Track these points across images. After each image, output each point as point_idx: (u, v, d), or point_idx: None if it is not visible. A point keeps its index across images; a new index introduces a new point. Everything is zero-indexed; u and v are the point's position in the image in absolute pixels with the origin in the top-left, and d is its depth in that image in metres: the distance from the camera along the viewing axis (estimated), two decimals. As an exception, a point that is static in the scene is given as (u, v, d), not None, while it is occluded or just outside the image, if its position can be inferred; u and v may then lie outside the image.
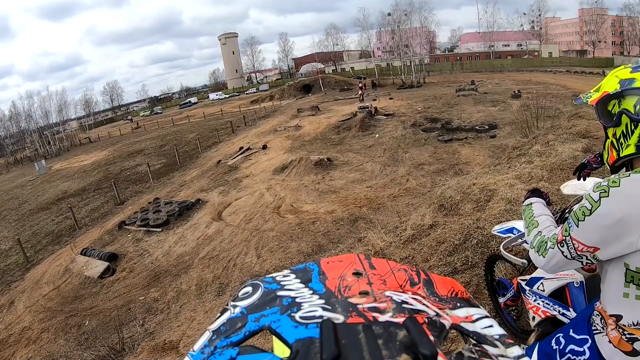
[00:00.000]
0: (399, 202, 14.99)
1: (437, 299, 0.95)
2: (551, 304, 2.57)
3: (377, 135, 27.10)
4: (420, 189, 15.99)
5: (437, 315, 0.84)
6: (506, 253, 2.95)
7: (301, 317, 0.79)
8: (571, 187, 3.33)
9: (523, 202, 2.25)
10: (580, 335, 1.91)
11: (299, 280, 0.97)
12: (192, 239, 16.36)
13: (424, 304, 0.88)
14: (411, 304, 0.86)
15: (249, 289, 0.96)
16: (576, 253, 1.59)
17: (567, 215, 2.52)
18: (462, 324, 0.84)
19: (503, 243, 3.02)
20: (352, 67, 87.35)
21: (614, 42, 67.26)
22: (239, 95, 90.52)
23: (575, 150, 6.98)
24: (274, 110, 51.94)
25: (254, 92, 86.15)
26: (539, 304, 2.68)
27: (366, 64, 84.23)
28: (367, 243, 7.13)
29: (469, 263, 4.94)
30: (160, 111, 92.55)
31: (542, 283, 2.67)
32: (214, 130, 39.97)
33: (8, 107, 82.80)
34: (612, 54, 63.09)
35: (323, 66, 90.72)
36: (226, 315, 0.88)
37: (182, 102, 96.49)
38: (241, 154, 28.57)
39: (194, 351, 0.80)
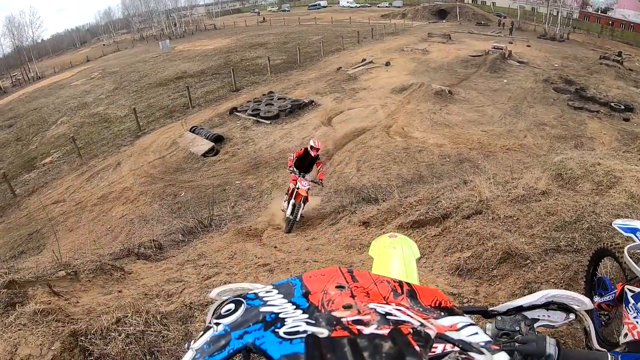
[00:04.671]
0: (511, 156, 14.47)
1: (421, 309, 1.00)
2: None
3: (505, 81, 25.79)
4: (536, 150, 15.22)
5: (422, 325, 0.87)
6: (629, 259, 2.60)
7: (285, 333, 0.82)
8: None
9: None
10: None
11: (281, 296, 1.00)
12: (297, 137, 16.49)
13: (408, 315, 0.91)
14: (395, 315, 0.89)
15: (231, 305, 0.99)
16: None
17: None
18: (447, 333, 0.87)
19: (629, 246, 2.65)
20: (493, 2, 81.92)
21: None
22: (370, 6, 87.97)
23: None
24: (404, 29, 50.46)
25: (387, 7, 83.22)
26: (638, 322, 2.42)
27: (510, 2, 78.98)
28: (474, 188, 6.78)
29: (574, 246, 4.54)
30: (288, 9, 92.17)
31: None
32: (339, 37, 39.36)
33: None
34: None
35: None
36: (209, 333, 0.91)
37: (311, 3, 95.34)
38: (363, 65, 28.08)
39: None
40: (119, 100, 26.31)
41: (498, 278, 4.65)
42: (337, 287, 1.02)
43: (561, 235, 4.75)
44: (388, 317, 0.86)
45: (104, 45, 68.10)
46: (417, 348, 0.71)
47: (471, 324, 0.92)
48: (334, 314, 0.87)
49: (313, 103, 20.26)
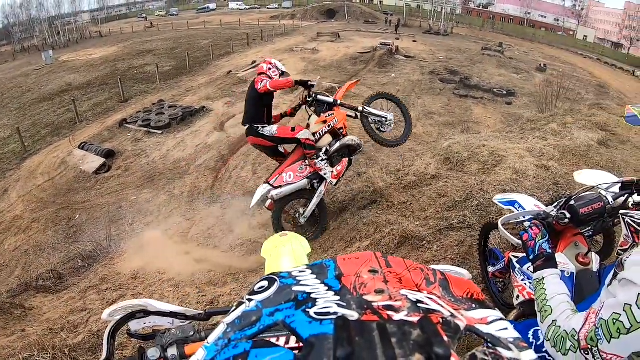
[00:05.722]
0: (402, 146, 14.78)
1: (452, 300, 0.99)
2: None
3: (393, 75, 26.79)
4: (426, 138, 15.89)
5: (452, 316, 0.87)
6: (503, 230, 2.80)
7: (316, 313, 0.82)
8: (585, 175, 3.24)
9: (534, 271, 1.99)
10: None
11: (314, 276, 1.00)
12: (191, 145, 16.39)
13: (439, 304, 0.91)
14: (426, 304, 0.89)
15: (264, 283, 0.99)
16: None
17: (572, 202, 2.41)
18: (477, 326, 0.87)
19: (502, 218, 2.85)
20: (380, 1, 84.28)
21: (653, 44, 64.26)
22: (259, 8, 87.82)
23: (591, 140, 6.81)
24: (293, 30, 50.88)
25: (276, 8, 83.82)
26: (526, 284, 2.64)
27: (396, 0, 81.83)
28: (367, 180, 7.19)
29: (466, 223, 4.90)
30: (176, 13, 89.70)
31: None
32: (229, 40, 39.24)
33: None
34: (648, 56, 60.54)
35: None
36: (241, 308, 0.92)
37: (200, 6, 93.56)
38: (253, 68, 27.93)
39: (208, 343, 0.83)
40: (1, 120, 24.54)
41: (398, 262, 5.02)
42: (370, 271, 1.02)
43: (453, 214, 5.16)
44: (419, 305, 0.87)
45: (-18, 60, 63.17)
46: (446, 338, 0.69)
47: (501, 319, 0.91)
48: (365, 297, 0.88)
49: (205, 109, 20.16)
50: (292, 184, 6.28)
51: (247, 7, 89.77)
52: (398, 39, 41.04)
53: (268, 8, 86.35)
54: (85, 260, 8.53)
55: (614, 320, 1.35)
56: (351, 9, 68.89)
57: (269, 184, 6.29)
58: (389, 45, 33.42)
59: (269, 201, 6.37)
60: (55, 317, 5.37)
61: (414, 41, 41.99)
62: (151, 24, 70.15)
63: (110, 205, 12.69)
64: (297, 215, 6.62)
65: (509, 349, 0.79)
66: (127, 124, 19.21)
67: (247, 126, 6.44)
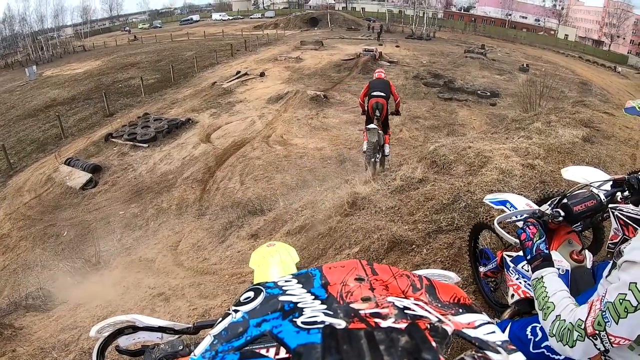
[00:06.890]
0: (389, 151, 14.90)
1: (439, 305, 0.99)
2: None
3: (377, 81, 26.63)
4: (412, 142, 15.96)
5: (440, 321, 0.86)
6: (500, 229, 2.81)
7: (303, 323, 0.81)
8: (572, 172, 3.25)
9: (532, 271, 1.97)
10: None
11: (300, 286, 1.00)
12: (177, 158, 16.34)
13: (426, 310, 0.90)
14: (413, 310, 0.88)
15: (250, 293, 0.99)
16: (611, 345, 1.44)
17: (565, 200, 2.41)
18: (465, 330, 0.86)
19: (498, 217, 2.79)
20: (363, 8, 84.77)
21: (633, 40, 64.90)
22: (242, 18, 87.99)
23: (575, 137, 6.83)
24: (277, 39, 50.78)
25: (259, 18, 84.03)
26: (520, 283, 2.63)
27: (378, 6, 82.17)
28: (355, 186, 7.11)
29: (455, 225, 4.87)
30: (159, 25, 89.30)
31: None
32: (213, 51, 39.06)
33: (2, 10, 79.14)
34: (628, 52, 61.05)
35: (333, 1, 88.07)
36: (228, 320, 0.91)
37: (183, 18, 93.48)
38: (238, 78, 28.17)
39: (195, 355, 0.82)
40: (-14, 138, 24.40)
41: (388, 267, 4.96)
42: (356, 279, 1.02)
43: (441, 216, 5.11)
44: (406, 311, 0.86)
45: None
46: (434, 344, 0.70)
47: (489, 322, 0.92)
48: (352, 305, 0.87)
49: (190, 121, 20.09)
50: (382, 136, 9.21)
51: (230, 17, 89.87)
52: (381, 44, 41.27)
53: (251, 18, 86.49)
54: (75, 277, 8.46)
55: (621, 301, 1.37)
56: (334, 16, 69.10)
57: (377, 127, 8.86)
58: (373, 51, 33.53)
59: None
60: (45, 335, 5.33)
61: (397, 46, 42.10)
62: (135, 36, 69.69)
63: (97, 221, 12.60)
64: (377, 156, 9.16)
65: (498, 352, 0.79)
66: (113, 138, 19.09)
67: (384, 96, 9.01)
